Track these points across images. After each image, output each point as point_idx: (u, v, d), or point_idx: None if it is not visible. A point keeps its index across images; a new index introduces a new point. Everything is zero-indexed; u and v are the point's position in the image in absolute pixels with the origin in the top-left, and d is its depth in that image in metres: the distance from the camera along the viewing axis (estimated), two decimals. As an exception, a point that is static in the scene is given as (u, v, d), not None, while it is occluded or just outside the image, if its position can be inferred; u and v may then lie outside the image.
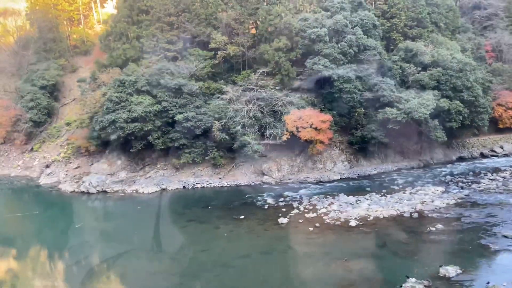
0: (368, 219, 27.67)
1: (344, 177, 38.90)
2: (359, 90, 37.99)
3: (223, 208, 32.02)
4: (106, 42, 43.22)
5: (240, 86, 38.53)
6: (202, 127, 37.07)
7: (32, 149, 47.80)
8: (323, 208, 30.07)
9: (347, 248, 23.94)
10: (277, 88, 38.62)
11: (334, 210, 29.58)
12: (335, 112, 38.99)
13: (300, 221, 27.95)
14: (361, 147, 40.64)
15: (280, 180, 38.27)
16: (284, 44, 38.22)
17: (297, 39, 39.12)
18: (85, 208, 35.53)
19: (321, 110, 38.25)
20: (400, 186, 35.48)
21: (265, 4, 41.20)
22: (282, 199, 32.96)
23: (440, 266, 19.20)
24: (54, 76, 49.28)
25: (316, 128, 36.56)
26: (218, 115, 37.40)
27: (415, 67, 41.10)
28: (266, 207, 31.18)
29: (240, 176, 38.94)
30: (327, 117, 37.11)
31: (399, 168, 41.48)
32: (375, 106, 39.04)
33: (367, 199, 31.76)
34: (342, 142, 41.56)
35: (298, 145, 39.35)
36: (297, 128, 36.45)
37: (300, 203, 31.61)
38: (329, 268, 21.12)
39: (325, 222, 27.57)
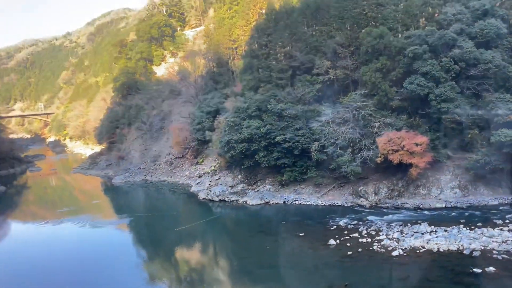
0: (418, 251, 25.83)
1: (450, 206, 34.88)
2: (462, 109, 33.87)
3: (296, 224, 34.32)
4: (240, 74, 50.97)
5: (339, 107, 39.71)
6: (300, 148, 39.95)
7: (197, 162, 59.50)
8: (384, 235, 29.04)
9: (365, 276, 23.62)
10: (374, 109, 38.13)
11: (392, 238, 28.29)
12: (439, 134, 35.71)
13: (349, 244, 28.13)
14: (479, 173, 35.62)
15: (376, 203, 37.36)
16: (382, 65, 37.57)
17: (399, 58, 37.72)
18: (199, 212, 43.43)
19: (420, 132, 35.69)
20: (506, 221, 30.04)
21: (371, 25, 41.06)
22: (356, 222, 32.89)
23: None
24: (216, 103, 60.06)
25: (410, 151, 34.61)
26: (317, 136, 39.60)
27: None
28: (332, 228, 31.99)
29: (337, 196, 39.82)
30: (423, 139, 34.42)
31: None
32: (490, 126, 33.98)
33: (445, 231, 28.68)
34: (459, 167, 37.22)
35: (401, 168, 37.60)
36: (388, 150, 35.33)
37: (368, 227, 31.09)
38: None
39: (370, 248, 27.07)
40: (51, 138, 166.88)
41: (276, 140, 40.40)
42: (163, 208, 47.81)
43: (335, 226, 32.24)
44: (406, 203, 36.29)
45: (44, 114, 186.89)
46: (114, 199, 57.17)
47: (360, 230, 30.65)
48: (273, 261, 27.12)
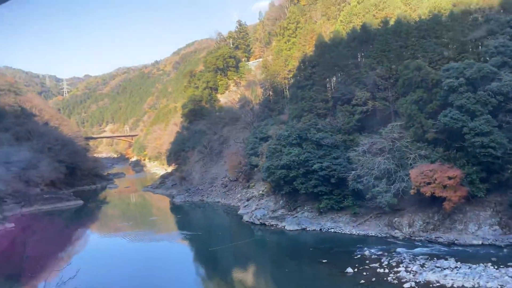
0: (431, 285, 25.74)
1: (487, 243, 33.54)
2: (499, 143, 32.79)
3: (323, 251, 35.18)
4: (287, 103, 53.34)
5: (376, 138, 40.25)
6: (336, 176, 40.93)
7: (248, 186, 62.27)
8: (403, 267, 29.09)
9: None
10: (410, 140, 38.14)
11: (410, 271, 28.27)
12: (477, 168, 34.75)
13: (365, 273, 28.67)
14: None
15: (410, 236, 36.91)
16: (419, 97, 37.73)
17: (436, 90, 37.61)
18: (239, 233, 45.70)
19: (457, 165, 35.03)
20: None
21: (411, 57, 41.35)
22: (381, 252, 33.02)
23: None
24: (269, 129, 62.86)
25: (442, 185, 34.17)
26: (354, 166, 40.40)
27: None
28: (356, 257, 32.49)
29: (372, 226, 39.87)
30: (456, 173, 33.76)
31: None
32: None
33: (469, 268, 28.03)
34: (501, 203, 35.70)
35: (437, 202, 36.98)
36: (420, 183, 35.15)
37: (391, 259, 31.18)
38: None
39: (385, 279, 27.45)
40: (134, 158, 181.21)
41: (313, 167, 41.83)
42: (210, 227, 50.95)
43: (359, 255, 32.70)
44: (440, 237, 35.45)
45: (128, 136, 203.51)
46: (171, 217, 62.01)
47: (382, 260, 30.86)
48: (284, 283, 28.56)
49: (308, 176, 43.01)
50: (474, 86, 35.72)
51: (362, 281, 27.27)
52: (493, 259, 29.68)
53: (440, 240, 35.45)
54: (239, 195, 62.07)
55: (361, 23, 52.25)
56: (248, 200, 56.72)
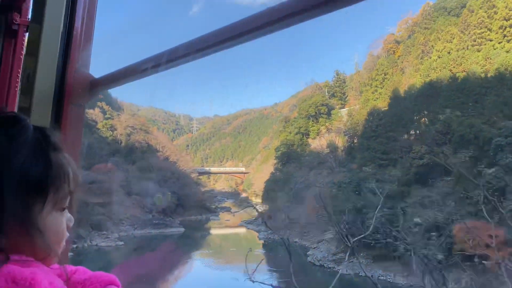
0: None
1: (534, 309, 32.40)
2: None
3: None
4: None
5: (428, 192, 41.39)
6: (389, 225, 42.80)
7: (324, 230, 65.21)
8: (423, 318, 30.28)
9: None
10: (460, 196, 38.67)
11: (428, 322, 29.42)
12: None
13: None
14: None
15: (454, 292, 36.91)
16: (469, 154, 38.47)
17: (488, 148, 37.94)
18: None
19: (502, 225, 34.74)
20: None
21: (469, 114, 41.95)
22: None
23: None
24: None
25: (484, 243, 34.26)
26: (406, 217, 41.97)
27: None
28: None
29: (419, 278, 40.40)
30: (498, 232, 33.67)
31: None
32: None
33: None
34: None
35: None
36: (462, 240, 35.61)
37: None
38: None
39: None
40: (243, 195, 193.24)
41: (367, 215, 44.20)
42: (275, 263, 55.38)
43: (392, 303, 34.44)
44: (484, 297, 34.96)
45: (240, 173, 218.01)
46: (245, 250, 67.77)
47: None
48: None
49: (364, 222, 45.31)
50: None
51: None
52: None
53: (484, 300, 34.92)
54: (313, 237, 65.32)
55: (435, 78, 53.68)
56: (318, 242, 59.85)
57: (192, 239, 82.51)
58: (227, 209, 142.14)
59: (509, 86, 41.20)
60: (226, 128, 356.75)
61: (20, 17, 2.97)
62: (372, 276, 43.60)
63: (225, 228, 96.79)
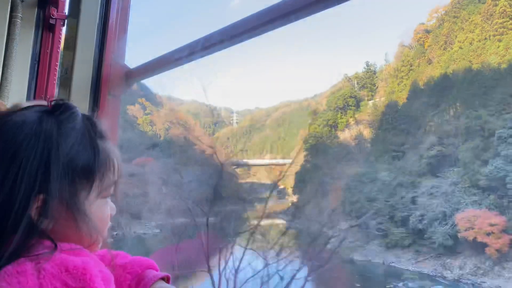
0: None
1: (533, 294, 33.73)
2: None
3: (368, 279, 39.62)
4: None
5: (437, 181, 42.80)
6: (399, 215, 44.71)
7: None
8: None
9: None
10: (466, 186, 39.91)
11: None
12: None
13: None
14: None
15: (458, 278, 38.49)
16: (475, 145, 39.56)
17: (492, 139, 38.88)
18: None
19: (505, 213, 35.95)
20: None
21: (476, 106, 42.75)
22: (419, 284, 36.28)
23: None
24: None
25: (485, 231, 35.70)
26: (416, 206, 43.71)
27: None
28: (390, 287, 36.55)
29: (429, 265, 42.01)
30: (498, 220, 34.99)
31: None
32: None
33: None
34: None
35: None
36: (464, 228, 37.10)
37: (416, 292, 34.56)
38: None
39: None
40: (281, 186, 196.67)
41: (379, 206, 46.26)
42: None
43: (392, 286, 36.65)
44: (484, 281, 36.30)
45: (279, 164, 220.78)
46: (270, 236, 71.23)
47: (406, 292, 34.66)
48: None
49: (377, 212, 47.37)
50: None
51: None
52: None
53: (484, 285, 36.21)
54: (336, 226, 67.58)
55: (453, 70, 54.17)
56: (340, 231, 62.09)
57: (225, 228, 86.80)
58: (264, 200, 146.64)
59: (517, 78, 41.64)
60: (265, 121, 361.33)
61: (57, 12, 3.04)
62: (383, 262, 45.81)
63: (257, 218, 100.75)
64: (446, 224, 40.39)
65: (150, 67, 2.36)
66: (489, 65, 48.38)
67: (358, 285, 37.39)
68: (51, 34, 3.07)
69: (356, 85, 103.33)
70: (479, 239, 35.87)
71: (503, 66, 45.99)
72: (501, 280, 36.14)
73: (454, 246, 39.96)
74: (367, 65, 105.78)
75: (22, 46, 2.89)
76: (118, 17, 2.52)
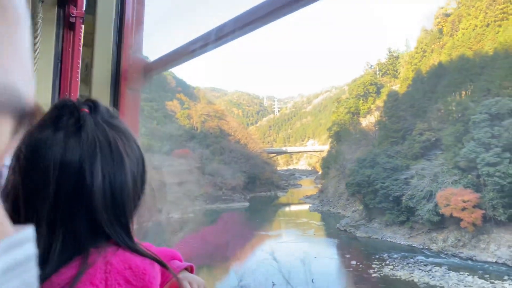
0: (396, 277, 34.49)
1: (501, 262, 37.71)
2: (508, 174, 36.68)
3: (360, 251, 44.87)
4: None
5: (424, 164, 47.01)
6: (393, 195, 49.35)
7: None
8: (392, 265, 37.77)
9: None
10: (450, 167, 43.91)
11: (395, 269, 36.84)
12: (500, 194, 38.91)
13: (361, 266, 38.51)
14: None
15: (441, 249, 42.91)
16: (456, 129, 43.44)
17: (471, 123, 42.54)
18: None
19: (486, 191, 39.85)
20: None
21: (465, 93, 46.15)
22: (397, 257, 41.16)
23: None
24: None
25: (459, 207, 39.93)
26: (408, 186, 48.20)
27: None
28: (374, 257, 41.70)
29: (419, 239, 46.43)
30: (470, 196, 39.05)
31: None
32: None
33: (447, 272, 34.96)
34: (530, 229, 38.57)
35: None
36: (443, 204, 41.44)
37: (396, 261, 39.57)
38: None
39: (369, 271, 36.98)
40: (320, 172, 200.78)
41: (377, 187, 51.05)
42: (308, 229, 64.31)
43: (378, 257, 41.78)
44: (461, 252, 40.57)
45: (317, 151, 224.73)
46: (296, 218, 77.55)
47: (387, 261, 39.77)
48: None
49: (375, 193, 52.19)
50: (500, 121, 39.87)
51: (351, 268, 37.64)
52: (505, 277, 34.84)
53: (461, 255, 40.44)
54: (352, 207, 72.42)
55: (450, 57, 57.07)
56: (352, 212, 67.10)
57: (256, 212, 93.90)
58: (298, 186, 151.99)
59: (499, 65, 44.18)
60: (306, 107, 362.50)
61: (76, 10, 3.07)
62: (381, 238, 50.67)
63: (287, 203, 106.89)
64: (431, 202, 44.72)
65: (167, 59, 2.32)
66: (480, 53, 51.12)
67: (348, 255, 42.70)
68: (72, 32, 3.14)
69: (378, 71, 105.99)
70: (455, 214, 40.02)
71: (490, 53, 48.71)
72: (476, 250, 40.29)
73: (439, 221, 44.18)
74: (389, 51, 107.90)
75: (45, 46, 2.95)
76: (134, 11, 2.56)
